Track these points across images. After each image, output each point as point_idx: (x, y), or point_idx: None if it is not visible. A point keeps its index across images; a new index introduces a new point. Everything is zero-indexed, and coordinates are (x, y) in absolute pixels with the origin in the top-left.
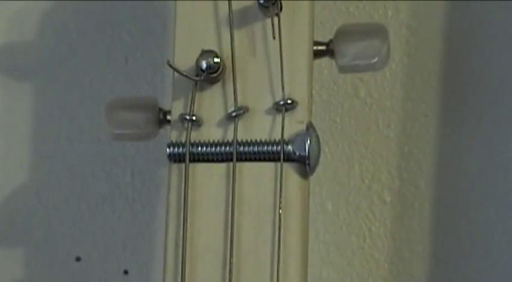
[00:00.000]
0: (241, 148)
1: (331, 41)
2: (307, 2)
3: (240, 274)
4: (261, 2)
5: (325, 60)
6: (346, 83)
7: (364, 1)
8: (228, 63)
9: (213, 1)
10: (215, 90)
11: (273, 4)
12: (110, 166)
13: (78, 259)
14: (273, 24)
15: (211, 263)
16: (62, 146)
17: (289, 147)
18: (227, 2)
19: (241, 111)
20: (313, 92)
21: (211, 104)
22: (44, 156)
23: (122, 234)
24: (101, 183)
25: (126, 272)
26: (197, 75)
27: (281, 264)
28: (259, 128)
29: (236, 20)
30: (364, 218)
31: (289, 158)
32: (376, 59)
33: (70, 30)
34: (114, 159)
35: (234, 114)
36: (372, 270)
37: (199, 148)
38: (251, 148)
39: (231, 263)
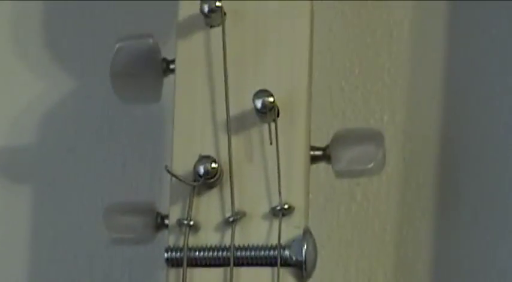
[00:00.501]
0: (239, 253)
1: (327, 146)
2: (304, 108)
3: None
4: (258, 108)
5: (322, 164)
6: (343, 187)
7: (360, 106)
8: (226, 168)
9: (210, 106)
10: (212, 195)
11: (270, 110)
12: (108, 269)
13: None
14: (270, 130)
15: None
16: (60, 248)
17: (286, 252)
18: (225, 107)
19: (238, 216)
20: (310, 195)
21: (209, 209)
22: (42, 259)
23: None
24: None
25: None
26: (195, 180)
27: None
28: (256, 232)
29: (234, 125)
30: None
31: (286, 262)
32: (372, 165)
33: (69, 135)
34: (112, 262)
35: (231, 219)
36: None
37: (197, 253)
38: (248, 253)
39: None
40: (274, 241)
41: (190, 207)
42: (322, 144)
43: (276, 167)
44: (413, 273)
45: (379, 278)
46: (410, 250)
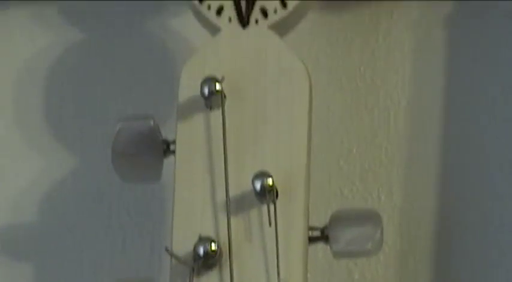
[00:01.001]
0: None
1: (325, 226)
2: (303, 187)
3: None
4: (258, 190)
5: (320, 244)
6: (341, 267)
7: (358, 184)
8: (225, 248)
9: (210, 187)
10: (212, 275)
11: (269, 192)
12: None
13: None
14: (269, 211)
15: None
16: None
17: None
18: (224, 188)
19: None
20: (308, 275)
21: None
22: None
23: None
24: None
25: None
26: (194, 261)
27: None
28: None
29: (233, 206)
30: None
31: None
32: (370, 245)
33: (69, 213)
34: None
35: None
36: None
37: None
38: None
39: None
40: None
41: (189, 278)
42: (320, 223)
43: (275, 248)
44: None
45: None
46: None
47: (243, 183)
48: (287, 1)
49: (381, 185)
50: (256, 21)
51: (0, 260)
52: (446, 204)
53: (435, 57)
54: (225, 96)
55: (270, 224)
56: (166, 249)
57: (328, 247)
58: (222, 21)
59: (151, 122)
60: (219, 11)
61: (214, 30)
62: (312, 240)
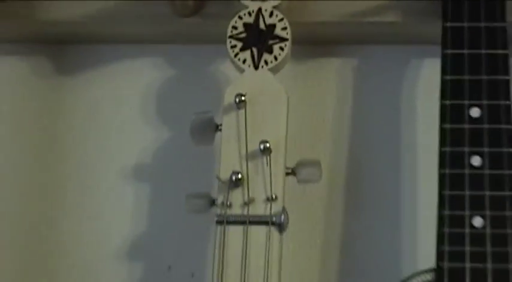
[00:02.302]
0: (251, 219)
1: (294, 167)
2: (283, 149)
3: None
4: (261, 149)
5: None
6: (300, 188)
7: (312, 147)
8: (245, 177)
9: (238, 147)
10: (238, 191)
11: (267, 149)
12: None
13: None
14: (267, 159)
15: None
16: None
17: (275, 219)
18: (245, 147)
19: (250, 201)
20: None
21: (236, 196)
22: None
23: None
24: None
25: None
26: (230, 183)
27: None
28: (260, 208)
29: (249, 156)
30: None
31: (273, 223)
32: (316, 177)
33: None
34: None
35: (246, 201)
36: None
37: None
38: (255, 218)
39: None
40: (267, 213)
41: (227, 194)
42: (291, 165)
43: (270, 177)
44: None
45: None
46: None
47: (254, 145)
48: (278, 56)
49: (321, 149)
50: (262, 67)
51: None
52: (356, 156)
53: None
54: (245, 103)
55: (267, 165)
56: (217, 177)
57: (296, 179)
58: (245, 66)
59: (210, 114)
60: (244, 61)
61: (241, 70)
62: (287, 174)
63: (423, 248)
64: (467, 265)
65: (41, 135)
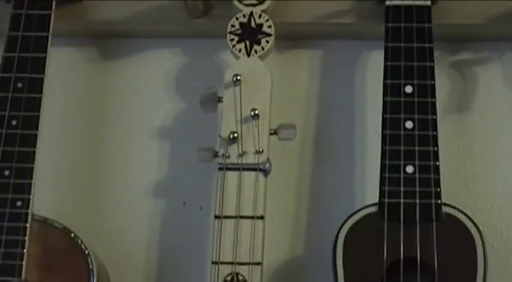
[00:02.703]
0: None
1: (276, 128)
2: (267, 115)
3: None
4: (252, 114)
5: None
6: (280, 143)
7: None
8: (240, 136)
9: (235, 113)
10: (235, 146)
11: (256, 115)
12: None
13: None
14: (256, 123)
15: None
16: None
17: (261, 167)
18: (240, 113)
19: (243, 152)
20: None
21: (233, 148)
22: None
23: None
24: None
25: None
26: (229, 140)
27: None
28: (250, 158)
29: (244, 120)
30: None
31: (260, 169)
32: (292, 136)
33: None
34: None
35: (241, 153)
36: None
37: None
38: (247, 166)
39: None
40: (256, 162)
41: (226, 148)
42: (274, 127)
43: (258, 136)
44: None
45: None
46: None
47: (247, 112)
48: (264, 47)
49: (296, 115)
50: (253, 55)
51: None
52: (321, 121)
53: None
54: (240, 81)
55: (256, 127)
56: (219, 135)
57: (277, 137)
58: (240, 54)
59: (214, 90)
60: (239, 51)
61: (237, 57)
62: (271, 134)
63: (370, 187)
64: (402, 201)
65: (90, 106)
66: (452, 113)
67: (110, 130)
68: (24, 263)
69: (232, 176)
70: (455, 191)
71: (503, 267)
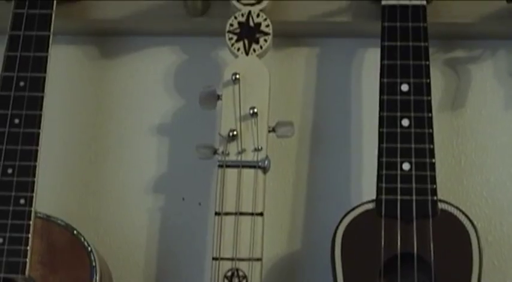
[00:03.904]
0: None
1: (274, 126)
2: (266, 112)
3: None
4: (250, 113)
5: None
6: (278, 140)
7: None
8: (239, 132)
9: (234, 110)
10: (234, 143)
11: (255, 113)
12: None
13: None
14: (254, 121)
15: None
16: None
17: (260, 164)
18: (239, 110)
19: (243, 149)
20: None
21: (233, 146)
22: None
23: None
24: None
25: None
26: (228, 137)
27: None
28: (249, 155)
29: (243, 117)
30: None
31: (259, 166)
32: (290, 133)
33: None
34: None
35: (240, 150)
36: None
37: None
38: (246, 163)
39: None
40: (255, 159)
41: (226, 146)
42: (272, 124)
43: (256, 133)
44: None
45: None
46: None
47: (245, 110)
48: (263, 46)
49: (294, 113)
50: (251, 53)
51: None
52: (318, 118)
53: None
54: (239, 79)
55: (255, 124)
56: (219, 133)
57: (275, 134)
58: (239, 53)
59: (213, 88)
60: (238, 49)
61: (236, 56)
62: (269, 131)
63: (366, 184)
64: (399, 197)
65: (90, 103)
66: (447, 110)
67: (110, 127)
68: (28, 260)
69: (231, 173)
70: (450, 186)
71: (497, 261)
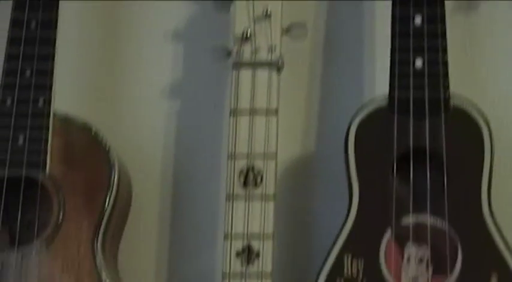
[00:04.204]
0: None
1: (287, 27)
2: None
3: None
4: None
5: None
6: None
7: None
8: None
9: None
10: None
11: None
12: None
13: None
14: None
15: None
16: None
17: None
18: None
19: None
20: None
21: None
22: None
23: None
24: None
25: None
26: None
27: None
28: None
29: None
30: None
31: (274, 65)
32: (304, 34)
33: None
34: None
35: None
36: None
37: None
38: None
39: None
40: (269, 58)
41: (240, 44)
42: (285, 26)
43: (270, 33)
44: None
45: None
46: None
47: (259, 11)
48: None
49: (308, 15)
50: None
51: None
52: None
53: None
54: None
55: (269, 27)
56: (232, 33)
57: (288, 35)
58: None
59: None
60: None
61: None
62: (282, 33)
63: (380, 84)
64: (411, 94)
65: (107, 10)
66: (460, 10)
67: (126, 33)
68: (48, 158)
69: (246, 74)
70: (462, 87)
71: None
